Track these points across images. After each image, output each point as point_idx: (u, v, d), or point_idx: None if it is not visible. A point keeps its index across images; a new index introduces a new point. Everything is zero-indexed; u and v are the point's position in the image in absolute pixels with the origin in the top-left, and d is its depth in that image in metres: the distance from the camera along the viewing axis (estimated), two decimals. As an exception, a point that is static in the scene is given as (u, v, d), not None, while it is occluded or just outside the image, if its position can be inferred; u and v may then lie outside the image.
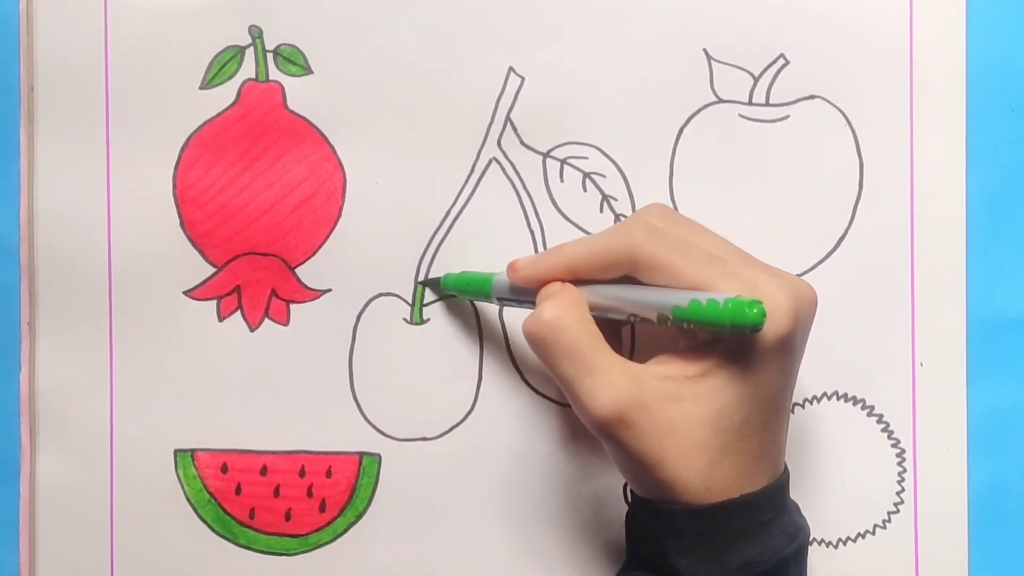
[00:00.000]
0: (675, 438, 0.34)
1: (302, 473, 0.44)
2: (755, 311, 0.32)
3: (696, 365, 0.34)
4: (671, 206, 0.43)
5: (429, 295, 0.44)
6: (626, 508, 0.44)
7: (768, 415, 0.35)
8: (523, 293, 0.39)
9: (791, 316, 0.34)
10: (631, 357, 0.42)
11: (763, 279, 0.34)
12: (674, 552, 0.35)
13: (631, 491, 0.38)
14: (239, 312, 0.44)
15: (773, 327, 0.34)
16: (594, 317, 0.36)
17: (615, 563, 0.44)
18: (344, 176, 0.44)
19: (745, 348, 0.34)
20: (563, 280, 0.38)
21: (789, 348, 0.35)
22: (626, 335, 0.43)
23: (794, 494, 0.39)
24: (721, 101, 0.43)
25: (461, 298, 0.44)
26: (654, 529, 0.36)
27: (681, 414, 0.34)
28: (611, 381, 0.34)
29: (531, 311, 0.37)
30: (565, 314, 0.35)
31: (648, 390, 0.34)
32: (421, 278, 0.44)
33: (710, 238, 0.36)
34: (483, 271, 0.42)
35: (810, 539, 0.38)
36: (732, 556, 0.35)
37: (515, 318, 0.44)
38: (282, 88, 0.44)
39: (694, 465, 0.34)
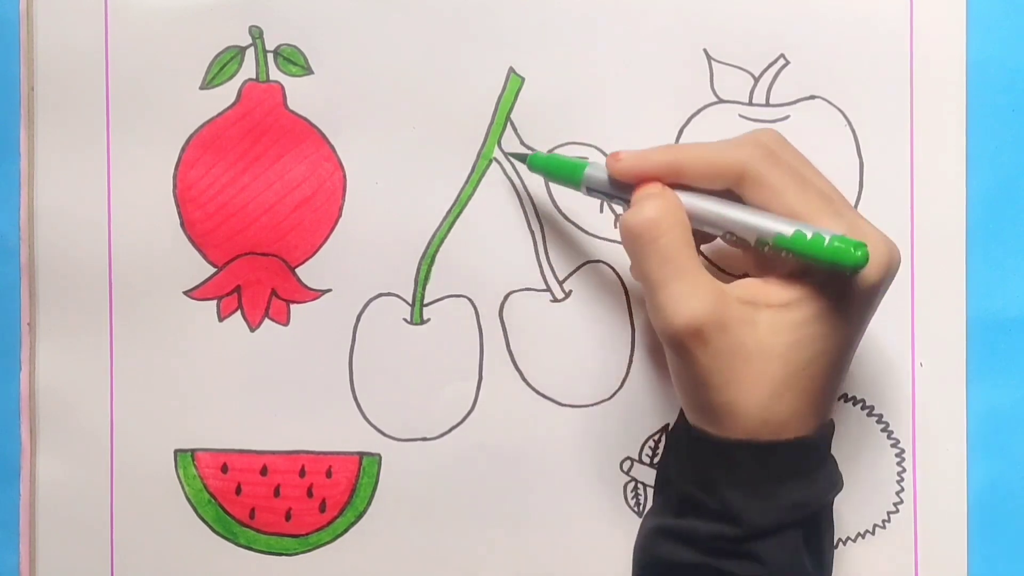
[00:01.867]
0: (744, 363, 0.34)
1: (302, 473, 0.44)
2: (860, 253, 0.33)
3: (781, 294, 0.34)
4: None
5: (429, 295, 0.44)
6: (626, 507, 0.44)
7: (834, 360, 0.35)
8: (619, 188, 0.37)
9: (885, 268, 0.34)
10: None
11: (866, 226, 0.35)
12: (726, 484, 0.35)
13: (684, 425, 0.37)
14: (239, 312, 0.44)
15: (867, 274, 0.34)
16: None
17: (615, 563, 0.44)
18: (344, 176, 0.44)
19: (835, 288, 0.34)
20: (664, 181, 0.36)
21: (872, 299, 0.35)
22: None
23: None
24: (721, 101, 0.43)
25: (550, 180, 0.42)
26: (707, 461, 0.36)
27: (756, 340, 0.34)
28: (697, 293, 0.34)
29: (622, 204, 0.37)
30: (668, 215, 0.35)
31: (730, 310, 0.34)
32: (510, 151, 0.43)
33: (820, 177, 0.36)
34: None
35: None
36: (783, 496, 0.35)
37: (515, 318, 0.44)
38: (282, 88, 0.44)
39: (756, 393, 0.34)
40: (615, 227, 0.44)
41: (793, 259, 0.34)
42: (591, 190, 0.39)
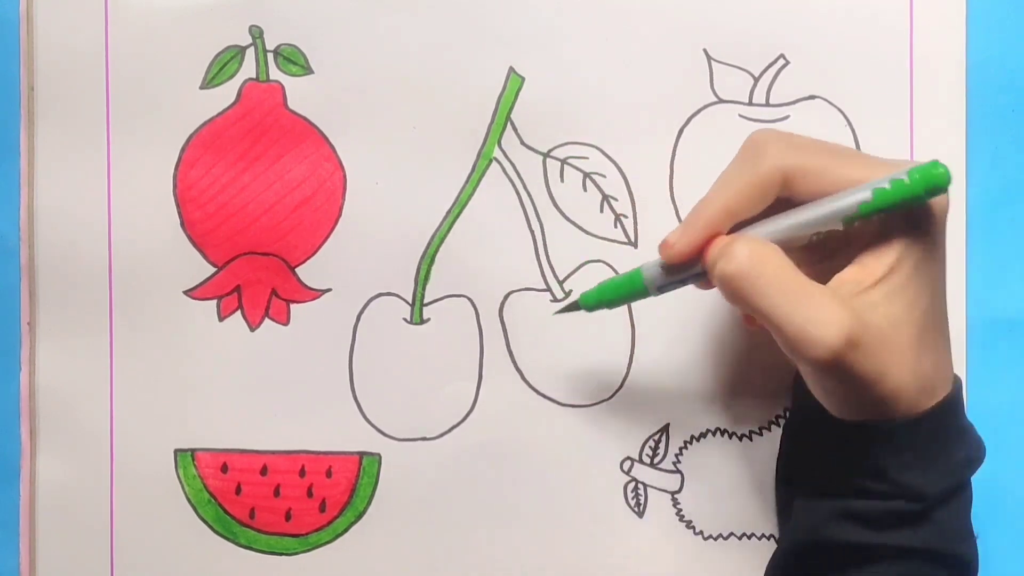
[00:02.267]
0: (888, 345, 0.34)
1: (302, 473, 0.44)
2: (940, 170, 0.33)
3: (878, 265, 0.34)
4: (671, 206, 0.43)
5: (429, 295, 0.44)
6: (626, 507, 0.44)
7: (940, 297, 0.35)
8: (682, 270, 0.36)
9: (944, 196, 0.34)
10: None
11: (894, 163, 0.35)
12: (897, 468, 0.35)
13: (819, 419, 0.36)
14: (239, 312, 0.44)
15: (937, 204, 0.34)
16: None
17: (615, 563, 0.44)
18: (344, 176, 0.44)
19: (915, 231, 0.34)
20: (721, 233, 0.35)
21: (944, 221, 0.35)
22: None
23: (795, 494, 0.39)
24: (721, 101, 0.43)
25: (613, 307, 0.40)
26: (870, 450, 0.35)
27: (886, 319, 0.34)
28: (831, 307, 0.33)
29: (696, 282, 0.36)
30: (760, 248, 0.34)
31: (856, 307, 0.33)
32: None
33: (827, 142, 0.36)
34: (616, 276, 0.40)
35: None
36: (952, 457, 0.35)
37: (515, 318, 0.44)
38: (282, 88, 0.44)
39: (907, 365, 0.34)
40: (615, 227, 0.44)
41: (877, 219, 0.34)
42: (662, 288, 0.37)
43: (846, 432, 0.35)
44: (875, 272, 0.34)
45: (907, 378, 0.34)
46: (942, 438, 0.35)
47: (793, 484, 0.41)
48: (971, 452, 0.36)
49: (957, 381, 0.37)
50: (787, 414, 0.43)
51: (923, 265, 0.34)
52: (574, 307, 0.40)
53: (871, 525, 0.36)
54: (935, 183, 0.33)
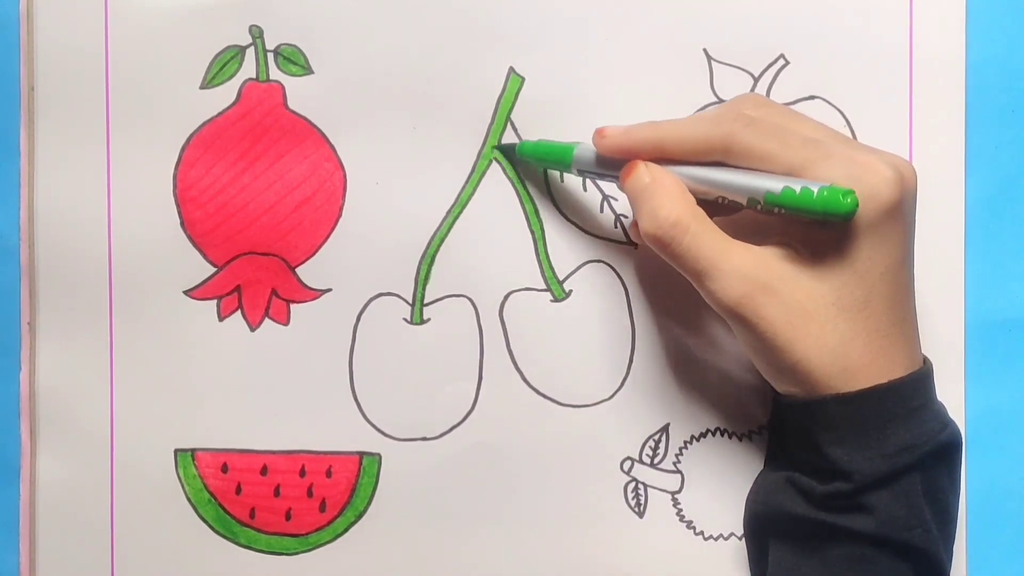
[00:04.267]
0: (803, 318, 0.35)
1: (302, 473, 0.44)
2: (848, 200, 0.33)
3: (810, 245, 0.35)
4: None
5: (429, 295, 0.44)
6: (626, 507, 0.44)
7: (891, 292, 0.36)
8: (607, 164, 0.39)
9: (896, 184, 0.34)
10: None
11: (862, 155, 0.35)
12: (828, 443, 0.36)
13: (777, 395, 0.38)
14: (239, 312, 0.44)
15: (880, 197, 0.34)
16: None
17: (615, 563, 0.44)
18: (344, 176, 0.44)
19: (861, 222, 0.34)
20: (649, 158, 0.38)
21: (898, 217, 0.35)
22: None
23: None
24: (721, 101, 0.43)
25: (536, 167, 0.43)
26: (807, 425, 0.36)
27: (805, 292, 0.35)
28: (737, 268, 0.35)
29: (613, 181, 0.39)
30: (682, 211, 0.36)
31: (772, 272, 0.35)
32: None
33: (806, 122, 0.37)
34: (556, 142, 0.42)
35: (962, 445, 0.38)
36: (886, 441, 0.35)
37: (515, 318, 0.44)
38: (282, 88, 0.44)
39: (825, 344, 0.35)
40: (615, 227, 0.44)
41: (784, 214, 0.34)
42: (581, 171, 0.40)
43: (784, 408, 0.38)
44: (803, 251, 0.35)
45: (822, 357, 0.35)
46: (879, 421, 0.35)
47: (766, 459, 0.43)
48: (917, 440, 0.36)
49: (921, 370, 0.37)
50: None
51: (864, 258, 0.35)
52: (510, 149, 0.43)
53: (812, 501, 0.37)
54: (835, 209, 0.33)
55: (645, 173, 0.37)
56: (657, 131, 0.38)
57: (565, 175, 0.44)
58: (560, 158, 0.41)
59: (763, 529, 0.39)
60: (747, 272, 0.35)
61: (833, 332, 0.35)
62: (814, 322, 0.35)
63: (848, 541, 0.36)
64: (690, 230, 0.36)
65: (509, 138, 0.44)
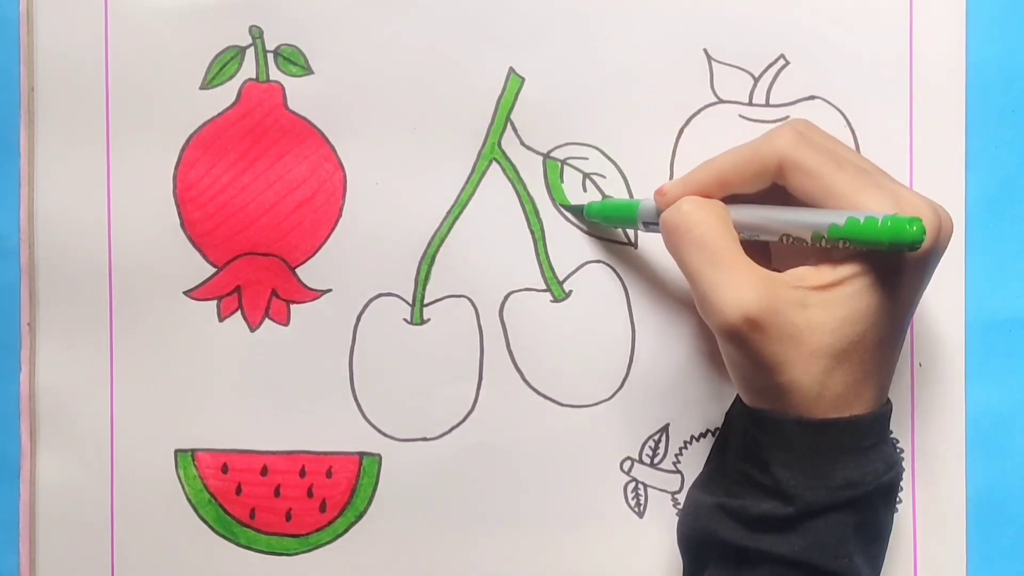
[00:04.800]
0: (797, 343, 0.34)
1: (302, 473, 0.44)
2: (915, 228, 0.32)
3: (831, 275, 0.35)
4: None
5: (429, 295, 0.44)
6: (626, 507, 0.44)
7: (886, 332, 0.35)
8: None
9: (934, 231, 0.34)
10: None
11: (907, 194, 0.35)
12: (778, 464, 0.36)
13: (738, 401, 0.38)
14: (239, 312, 0.44)
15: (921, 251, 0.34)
16: (744, 239, 0.36)
17: (615, 563, 0.44)
18: (344, 176, 0.44)
19: (885, 262, 0.34)
20: (712, 197, 0.37)
21: (924, 267, 0.35)
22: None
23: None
24: (721, 101, 0.43)
25: (604, 226, 0.43)
26: (761, 440, 0.36)
27: (806, 319, 0.34)
28: (742, 282, 0.34)
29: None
30: (703, 209, 0.36)
31: (778, 295, 0.34)
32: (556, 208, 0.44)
33: (854, 153, 0.37)
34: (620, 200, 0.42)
35: (901, 479, 0.38)
36: (835, 474, 0.35)
37: (515, 318, 0.44)
38: (282, 88, 0.44)
39: (811, 369, 0.34)
40: (615, 227, 0.44)
41: (850, 247, 0.34)
42: (648, 224, 0.40)
43: (747, 417, 0.37)
44: (822, 278, 0.35)
45: (805, 381, 0.35)
46: (832, 453, 0.35)
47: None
48: (863, 478, 0.36)
49: (882, 409, 0.37)
50: None
51: (875, 295, 0.34)
52: (578, 210, 0.43)
53: (746, 524, 0.36)
54: (902, 238, 0.32)
55: (683, 201, 0.37)
56: (712, 168, 0.37)
57: (564, 174, 0.44)
58: (626, 215, 0.41)
59: (696, 549, 0.39)
60: (752, 287, 0.34)
61: (821, 358, 0.34)
62: (806, 347, 0.34)
63: (776, 564, 0.36)
64: (705, 223, 0.36)
65: (509, 138, 0.44)
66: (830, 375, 0.35)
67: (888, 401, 0.38)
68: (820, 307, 0.34)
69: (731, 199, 0.37)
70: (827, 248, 0.35)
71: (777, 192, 0.37)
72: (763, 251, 0.39)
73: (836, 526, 0.36)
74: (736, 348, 0.35)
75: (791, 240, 0.35)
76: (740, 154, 0.37)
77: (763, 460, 0.36)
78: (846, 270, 0.34)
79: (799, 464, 0.35)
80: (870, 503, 0.36)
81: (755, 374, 0.35)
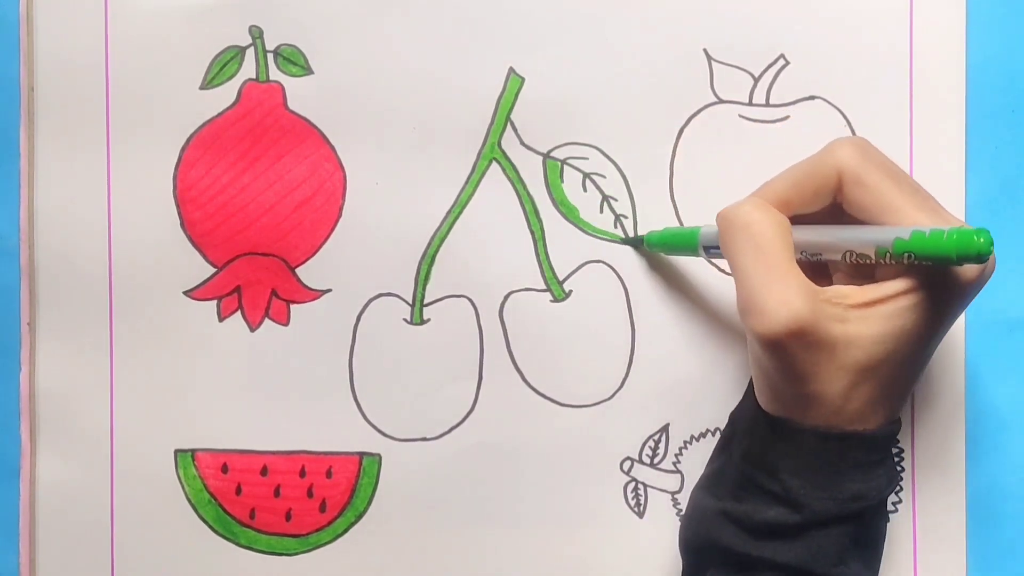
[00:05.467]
0: (829, 356, 0.34)
1: (302, 473, 0.44)
2: (982, 240, 0.31)
3: (871, 293, 0.34)
4: (671, 206, 0.43)
5: (429, 295, 0.44)
6: (626, 507, 0.44)
7: (916, 353, 0.35)
8: None
9: (981, 267, 0.34)
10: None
11: (958, 223, 0.34)
12: (788, 472, 0.36)
13: (752, 406, 0.38)
14: (239, 312, 0.44)
15: (965, 270, 0.34)
16: (806, 259, 0.36)
17: (615, 563, 0.44)
18: (344, 176, 0.44)
19: (928, 284, 0.34)
20: None
21: (965, 293, 0.35)
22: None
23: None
24: (721, 101, 0.43)
25: (666, 255, 0.43)
26: (773, 446, 0.36)
27: (844, 333, 0.34)
28: (790, 290, 0.34)
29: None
30: (765, 211, 0.35)
31: (821, 309, 0.34)
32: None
33: (907, 174, 0.36)
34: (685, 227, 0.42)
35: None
36: (844, 486, 0.35)
37: (515, 318, 0.44)
38: (282, 88, 0.44)
39: (838, 383, 0.34)
40: (615, 227, 0.44)
41: (904, 263, 0.34)
42: (709, 249, 0.39)
43: (761, 422, 0.37)
44: (866, 296, 0.34)
45: (831, 392, 0.34)
46: (843, 465, 0.36)
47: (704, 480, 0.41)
48: (868, 491, 0.36)
49: (893, 426, 0.37)
50: None
51: (914, 316, 0.34)
52: (638, 242, 0.43)
53: (749, 530, 0.36)
54: (967, 249, 0.32)
55: (745, 200, 0.36)
56: (772, 188, 0.37)
57: (564, 174, 0.44)
58: (687, 243, 0.40)
59: (698, 552, 0.39)
60: (801, 298, 0.34)
61: (849, 374, 0.34)
62: (838, 361, 0.34)
63: (777, 571, 0.36)
64: (765, 224, 0.35)
65: (509, 138, 0.44)
66: (855, 389, 0.35)
67: (899, 418, 0.38)
68: (858, 322, 0.34)
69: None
70: (869, 265, 0.35)
71: (827, 213, 0.36)
72: (815, 272, 0.38)
73: (838, 536, 0.36)
74: (771, 355, 0.35)
75: (854, 257, 0.35)
76: (799, 171, 0.36)
77: (772, 466, 0.36)
78: (889, 288, 0.34)
79: (810, 474, 0.35)
80: (871, 520, 0.37)
81: (783, 382, 0.35)
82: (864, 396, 0.35)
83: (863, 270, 0.36)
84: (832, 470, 0.36)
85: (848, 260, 0.35)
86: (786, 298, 0.34)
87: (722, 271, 0.43)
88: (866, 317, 0.34)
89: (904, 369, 0.36)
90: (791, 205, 0.36)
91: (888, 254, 0.34)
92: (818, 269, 0.38)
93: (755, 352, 0.36)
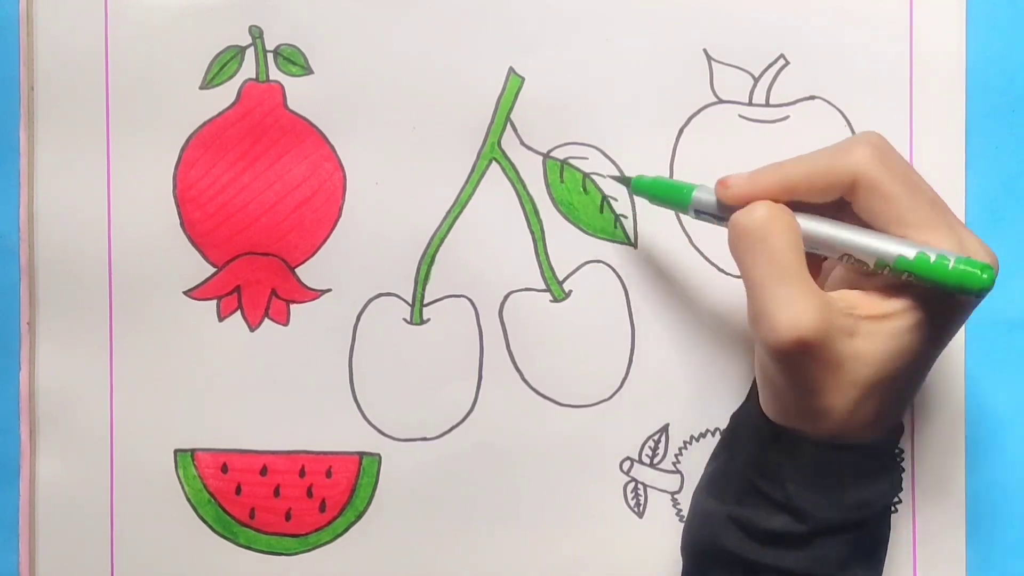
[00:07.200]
0: (838, 371, 0.34)
1: (302, 473, 0.44)
2: (986, 276, 0.31)
3: (881, 306, 0.34)
4: (671, 206, 0.43)
5: (429, 295, 0.44)
6: (626, 507, 0.44)
7: (922, 366, 0.35)
8: (729, 211, 0.36)
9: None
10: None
11: (971, 237, 0.34)
12: (793, 481, 0.36)
13: (756, 414, 0.37)
14: (239, 312, 0.44)
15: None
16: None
17: (615, 563, 0.44)
18: (344, 176, 0.44)
19: (934, 301, 0.34)
20: (777, 201, 0.35)
21: (971, 310, 0.35)
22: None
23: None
24: (721, 101, 0.43)
25: (653, 202, 0.40)
26: (778, 455, 0.36)
27: (852, 348, 0.34)
28: (808, 304, 0.33)
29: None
30: (780, 220, 0.34)
31: (833, 322, 0.33)
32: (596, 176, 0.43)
33: (926, 182, 0.35)
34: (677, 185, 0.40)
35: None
36: (848, 495, 0.36)
37: (515, 318, 0.44)
38: (282, 88, 0.44)
39: (845, 397, 0.34)
40: (615, 227, 0.44)
41: (909, 280, 0.33)
42: (699, 212, 0.38)
43: (765, 431, 0.37)
44: (874, 308, 0.34)
45: (839, 407, 0.34)
46: (848, 475, 0.36)
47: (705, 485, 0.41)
48: (872, 498, 0.36)
49: (894, 434, 0.37)
50: None
51: (921, 333, 0.34)
52: (625, 181, 0.42)
53: (754, 537, 0.36)
54: (970, 284, 0.32)
55: (766, 202, 0.35)
56: (782, 172, 0.35)
57: (564, 174, 0.44)
58: (677, 199, 0.39)
59: (700, 556, 0.39)
60: (815, 311, 0.33)
61: (857, 389, 0.34)
62: (846, 376, 0.34)
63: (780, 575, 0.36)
64: (779, 235, 0.34)
65: (509, 138, 0.44)
66: (861, 403, 0.35)
67: (901, 424, 0.38)
68: (867, 338, 0.34)
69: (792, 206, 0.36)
70: (877, 272, 0.34)
71: (833, 204, 0.36)
72: (813, 264, 0.38)
73: (842, 543, 0.36)
74: (781, 368, 0.34)
75: (851, 260, 0.34)
76: (812, 163, 0.35)
77: (777, 474, 0.36)
78: (898, 304, 0.34)
79: (815, 483, 0.35)
80: (874, 525, 0.37)
81: (790, 393, 0.35)
82: (870, 409, 0.35)
83: (875, 275, 0.35)
84: (837, 480, 0.36)
85: (845, 262, 0.35)
86: (799, 311, 0.33)
87: (722, 271, 0.43)
88: (874, 333, 0.34)
89: (908, 382, 0.36)
90: (796, 193, 0.35)
91: (887, 267, 0.33)
92: (810, 256, 0.37)
93: (763, 361, 0.36)
